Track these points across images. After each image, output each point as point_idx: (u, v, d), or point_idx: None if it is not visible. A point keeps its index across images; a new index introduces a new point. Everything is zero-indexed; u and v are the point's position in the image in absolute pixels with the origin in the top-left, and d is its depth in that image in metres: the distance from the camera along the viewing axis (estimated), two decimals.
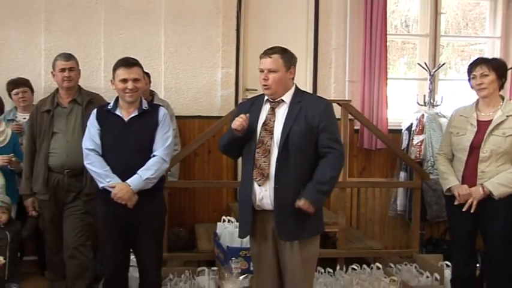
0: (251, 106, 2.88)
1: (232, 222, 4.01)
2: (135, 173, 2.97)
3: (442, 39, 5.30)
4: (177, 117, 4.56)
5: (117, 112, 3.08)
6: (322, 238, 2.98)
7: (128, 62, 3.06)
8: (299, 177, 2.71)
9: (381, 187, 4.91)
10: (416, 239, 4.44)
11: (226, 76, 4.88)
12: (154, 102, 4.08)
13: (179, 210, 4.78)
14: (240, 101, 4.78)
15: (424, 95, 5.01)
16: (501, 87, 3.36)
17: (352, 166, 5.04)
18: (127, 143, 3.01)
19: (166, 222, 3.48)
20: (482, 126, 3.30)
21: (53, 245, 3.60)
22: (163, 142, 3.07)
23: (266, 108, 2.84)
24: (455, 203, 3.33)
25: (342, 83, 5.04)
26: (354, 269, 3.97)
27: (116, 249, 3.11)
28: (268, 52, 2.79)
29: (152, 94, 4.46)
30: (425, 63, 5.05)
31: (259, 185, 2.75)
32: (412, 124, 4.90)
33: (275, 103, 2.81)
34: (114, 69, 3.07)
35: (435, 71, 5.05)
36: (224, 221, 4.05)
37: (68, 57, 3.55)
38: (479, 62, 3.35)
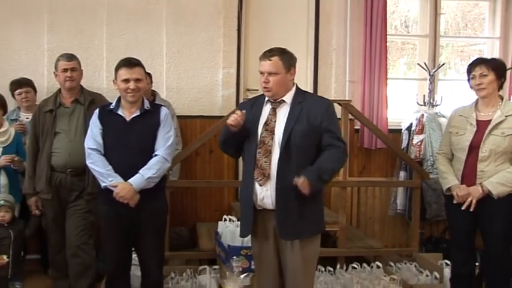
0: (252, 106, 2.88)
1: (233, 221, 4.02)
2: (137, 172, 2.97)
3: (441, 40, 5.31)
4: (178, 117, 4.56)
5: (119, 112, 3.08)
6: (322, 237, 2.97)
7: (130, 62, 3.06)
8: None
9: (380, 186, 4.92)
10: (416, 237, 4.44)
11: (227, 76, 4.89)
12: (156, 102, 4.08)
13: (181, 210, 4.79)
14: (241, 101, 4.80)
15: (424, 95, 5.02)
16: (500, 87, 3.38)
17: (352, 165, 5.04)
18: (129, 143, 3.01)
19: (168, 221, 3.50)
20: (482, 126, 3.31)
21: (55, 243, 3.62)
22: (165, 141, 3.07)
23: (267, 108, 2.83)
24: (454, 201, 3.34)
25: (342, 83, 5.05)
26: (354, 268, 3.99)
27: (118, 248, 3.11)
28: (268, 54, 2.76)
29: (154, 94, 4.47)
30: (425, 64, 5.05)
31: (260, 185, 2.75)
32: (411, 124, 4.91)
33: (276, 103, 2.81)
34: (116, 69, 3.07)
35: (435, 71, 5.06)
36: (225, 220, 4.06)
37: (70, 57, 3.57)
38: (479, 62, 3.35)
